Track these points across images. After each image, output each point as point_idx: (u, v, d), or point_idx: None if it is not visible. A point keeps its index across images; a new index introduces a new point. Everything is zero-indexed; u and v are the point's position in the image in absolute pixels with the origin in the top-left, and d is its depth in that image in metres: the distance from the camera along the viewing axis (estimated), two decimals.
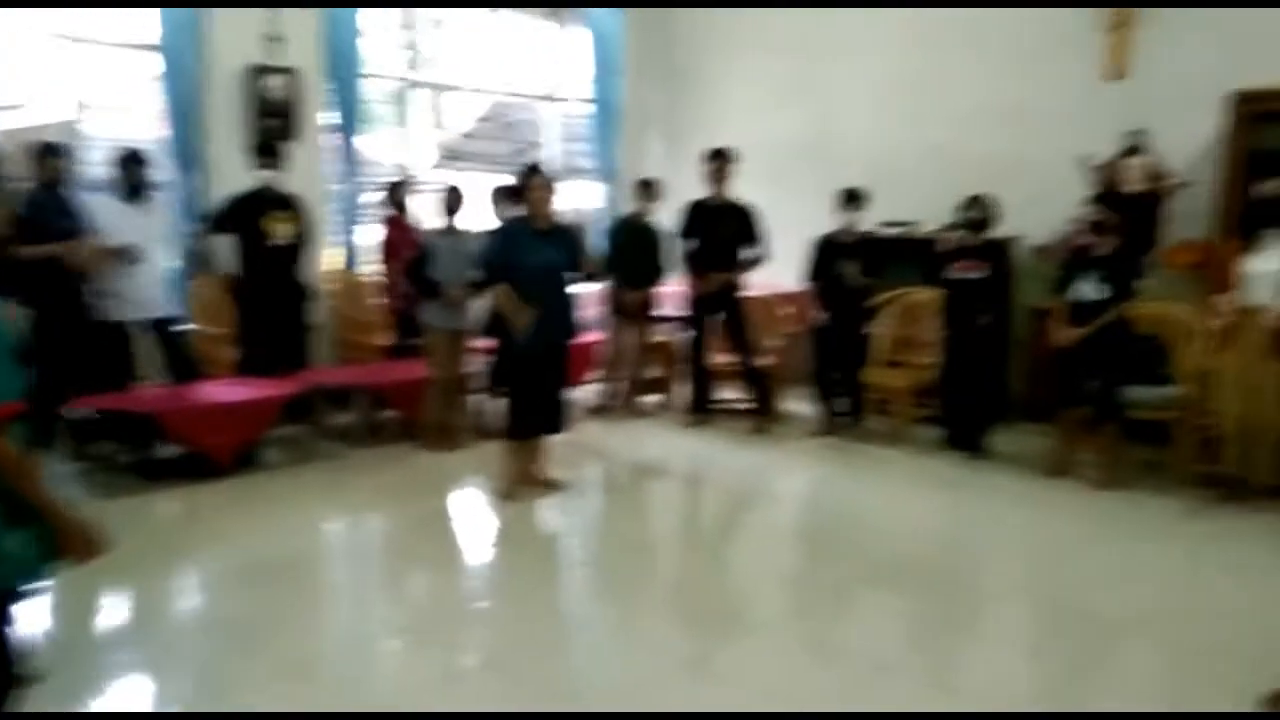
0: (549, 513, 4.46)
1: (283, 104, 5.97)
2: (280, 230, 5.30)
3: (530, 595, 3.51)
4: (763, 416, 6.00)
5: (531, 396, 4.45)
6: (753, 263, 5.90)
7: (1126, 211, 5.08)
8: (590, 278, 4.60)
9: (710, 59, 7.88)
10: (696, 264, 5.94)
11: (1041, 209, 5.80)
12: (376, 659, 3.00)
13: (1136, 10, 5.76)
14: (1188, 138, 5.47)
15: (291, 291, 5.44)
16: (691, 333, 6.05)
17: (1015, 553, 4.12)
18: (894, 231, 6.32)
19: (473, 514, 4.54)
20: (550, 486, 4.64)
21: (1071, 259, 5.06)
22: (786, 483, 5.18)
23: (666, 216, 6.25)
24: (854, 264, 5.63)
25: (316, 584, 3.68)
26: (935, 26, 6.58)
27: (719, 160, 5.88)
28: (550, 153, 7.72)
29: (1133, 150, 5.58)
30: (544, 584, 3.70)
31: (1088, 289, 4.75)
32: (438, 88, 7.25)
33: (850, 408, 5.84)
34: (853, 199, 5.67)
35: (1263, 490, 4.46)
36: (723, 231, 5.87)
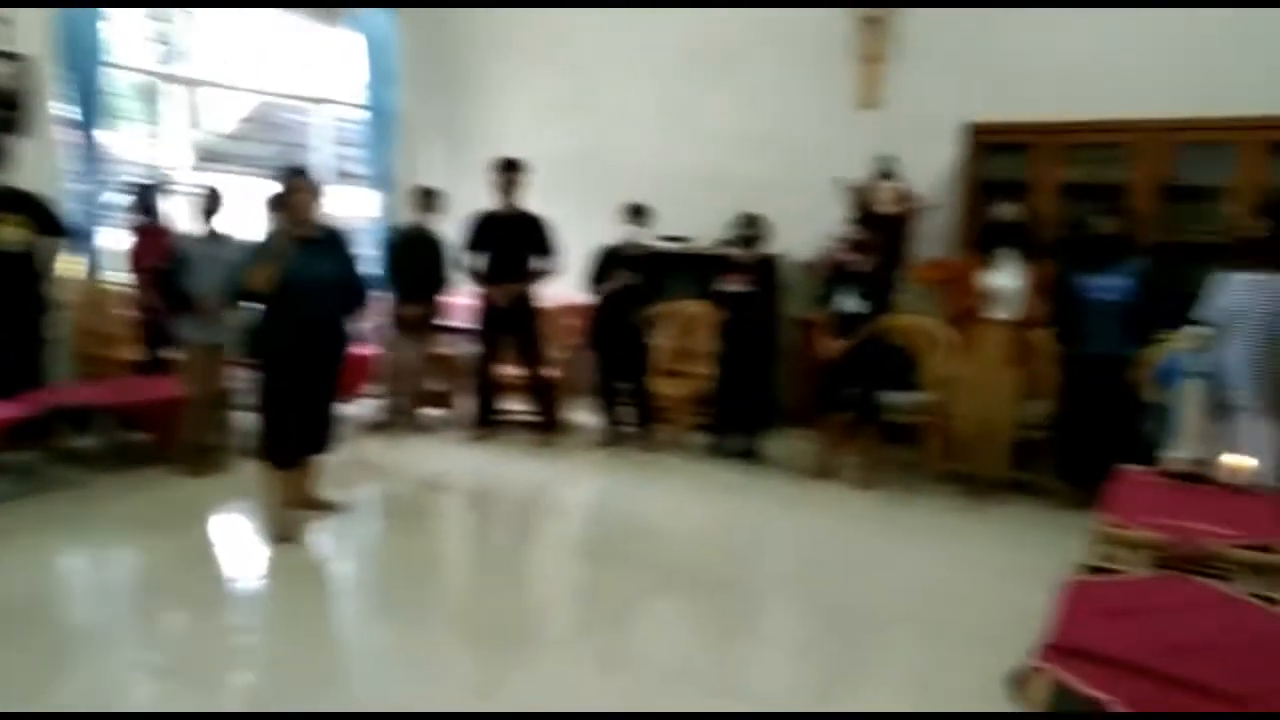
0: (323, 536, 4.22)
1: (10, 94, 5.34)
2: (8, 234, 4.72)
3: (304, 627, 3.30)
4: (548, 429, 5.99)
5: (293, 416, 4.08)
6: (545, 274, 5.88)
7: (880, 231, 5.50)
8: (360, 290, 4.26)
9: (491, 68, 7.81)
10: (487, 276, 5.86)
11: (806, 227, 6.17)
12: (130, 707, 2.72)
13: (886, 45, 6.26)
14: (932, 164, 6.00)
15: (24, 302, 4.87)
16: (479, 345, 5.95)
17: (788, 553, 4.34)
18: (672, 246, 6.51)
19: (237, 542, 4.22)
20: (324, 508, 4.39)
21: (834, 274, 5.41)
22: (573, 495, 5.19)
23: (449, 227, 6.12)
24: (632, 275, 5.74)
25: (56, 629, 3.29)
26: (702, 53, 6.86)
27: (510, 171, 5.82)
28: (321, 157, 7.37)
29: (885, 175, 6.05)
30: (318, 614, 3.50)
31: (849, 303, 5.10)
32: (193, 83, 6.73)
33: (635, 417, 5.95)
34: (638, 213, 5.79)
35: (999, 485, 4.96)
36: (514, 243, 5.82)
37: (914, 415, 5.35)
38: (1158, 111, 5.20)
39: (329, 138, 7.52)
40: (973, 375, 4.92)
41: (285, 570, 3.86)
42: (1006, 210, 4.82)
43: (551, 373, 6.02)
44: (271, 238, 4.02)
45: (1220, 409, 3.71)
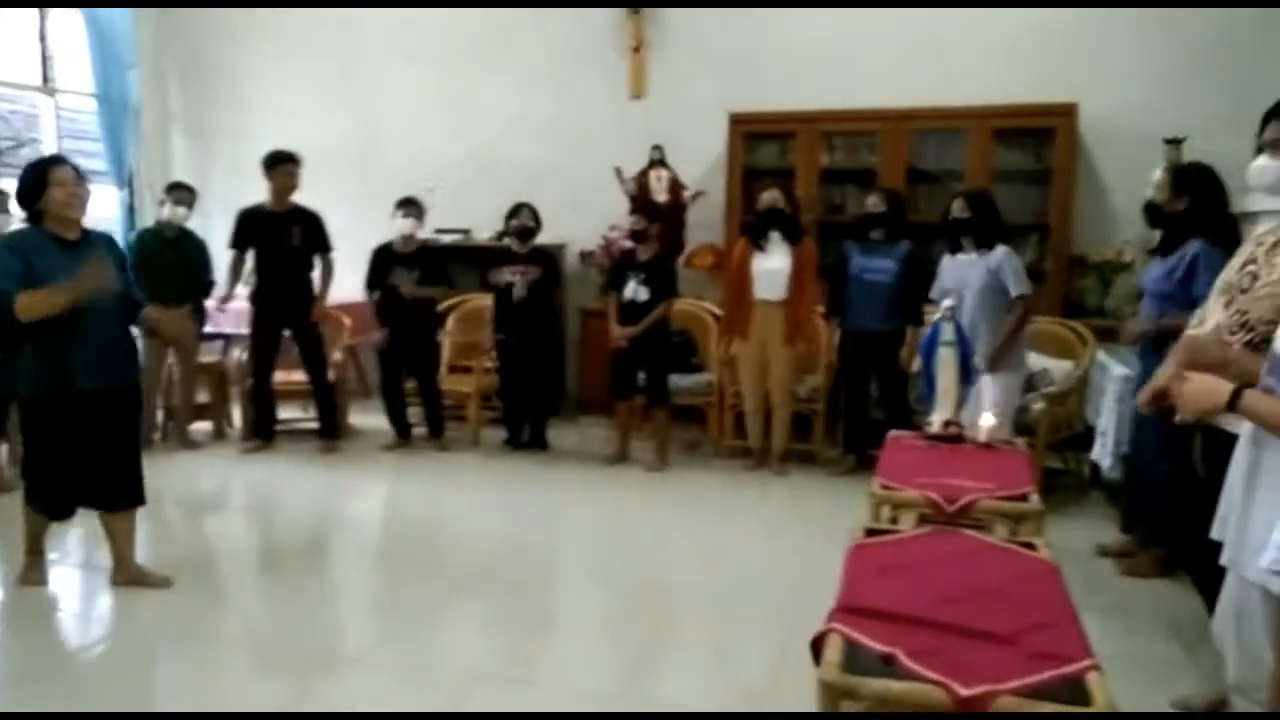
0: (79, 572, 3.82)
1: None
2: None
3: (70, 672, 2.97)
4: (332, 435, 5.71)
5: (71, 459, 3.35)
6: (323, 273, 5.58)
7: (658, 219, 5.62)
8: (137, 304, 3.54)
9: (241, 55, 7.30)
10: (260, 276, 5.48)
11: (585, 217, 6.21)
12: None
13: (649, 35, 6.39)
14: (700, 153, 6.19)
15: None
16: (252, 351, 5.57)
17: (587, 540, 4.37)
18: (450, 239, 6.37)
19: None
20: (146, 581, 3.62)
21: (618, 263, 5.48)
22: (363, 502, 4.98)
23: (203, 225, 5.68)
24: (412, 273, 5.57)
25: None
26: (476, 39, 6.73)
27: (284, 164, 5.46)
28: (48, 150, 6.63)
29: (657, 163, 6.19)
30: (80, 654, 3.16)
31: (634, 290, 5.18)
32: None
33: (425, 417, 5.78)
34: (410, 206, 5.61)
35: (783, 457, 5.22)
36: (288, 241, 5.47)
37: (699, 396, 5.54)
38: (899, 101, 5.62)
39: (55, 130, 6.77)
40: (750, 355, 5.14)
41: (23, 613, 3.46)
42: (773, 196, 5.05)
43: (331, 376, 5.74)
44: (17, 240, 3.33)
45: (967, 374, 4.08)
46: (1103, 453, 4.03)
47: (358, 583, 3.95)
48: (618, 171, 6.16)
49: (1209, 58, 5.26)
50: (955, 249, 4.48)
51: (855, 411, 5.14)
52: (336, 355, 5.87)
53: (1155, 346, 3.39)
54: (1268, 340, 1.91)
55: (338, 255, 5.60)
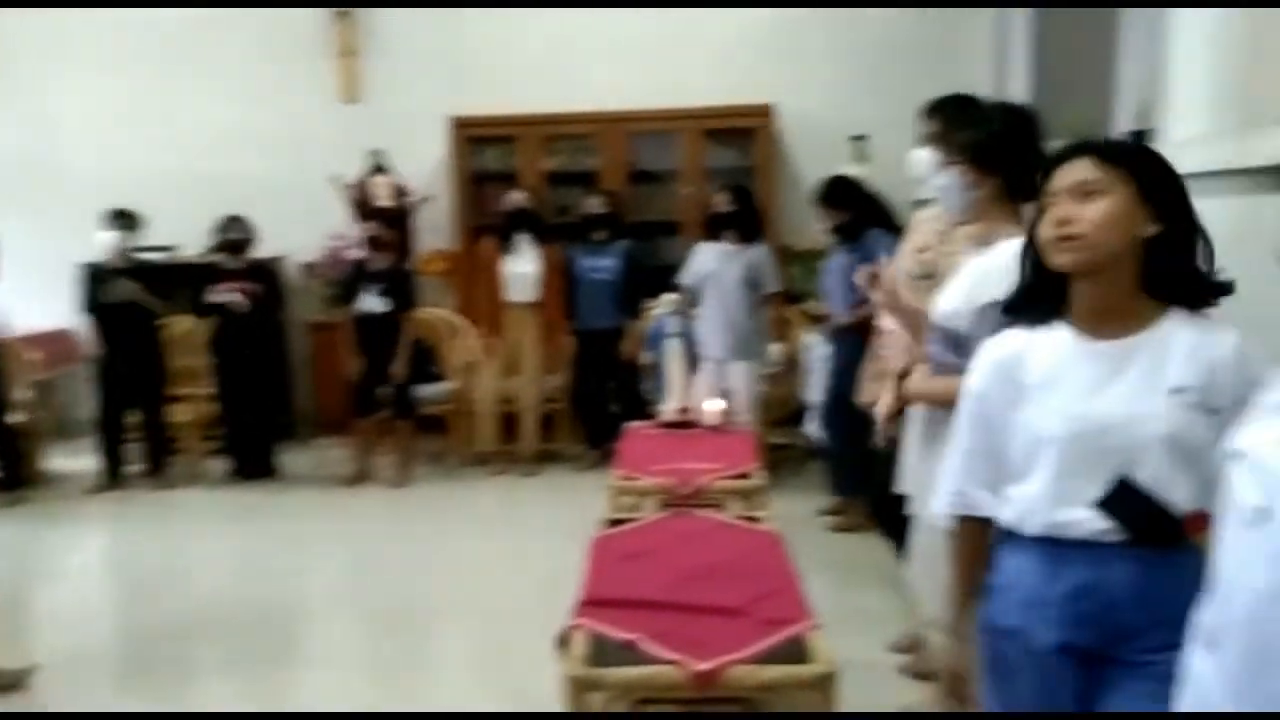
0: None
1: None
2: None
3: None
4: (15, 485, 5.05)
5: None
6: None
7: (386, 226, 5.46)
8: None
9: None
10: None
11: (302, 227, 5.91)
12: None
13: (362, 38, 6.18)
14: (423, 157, 6.07)
15: None
16: None
17: (331, 566, 4.18)
18: (158, 257, 5.83)
19: None
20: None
21: (352, 274, 5.25)
22: (67, 558, 4.45)
23: None
24: (131, 286, 5.05)
25: None
26: (171, 43, 6.20)
27: None
28: None
29: (378, 169, 6.01)
30: None
31: (371, 302, 5.00)
32: None
33: (145, 451, 5.25)
34: (122, 220, 5.08)
35: (530, 459, 5.25)
36: None
37: (442, 405, 5.45)
38: (617, 104, 5.81)
39: None
40: (498, 358, 5.14)
41: None
42: (516, 198, 5.09)
43: (17, 418, 5.07)
44: None
45: (695, 362, 4.32)
46: (814, 425, 4.39)
47: (66, 652, 3.53)
48: (335, 179, 5.92)
49: (890, 60, 5.81)
50: (714, 239, 4.71)
51: (593, 407, 5.28)
52: (22, 393, 5.20)
53: (843, 333, 3.81)
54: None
55: (8, 282, 4.94)
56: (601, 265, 5.15)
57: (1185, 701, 1.11)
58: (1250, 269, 1.41)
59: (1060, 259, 1.37)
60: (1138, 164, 1.39)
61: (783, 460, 5.14)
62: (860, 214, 4.15)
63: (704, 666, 1.72)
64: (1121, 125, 3.46)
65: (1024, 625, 1.44)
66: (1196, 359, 1.33)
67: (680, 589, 2.04)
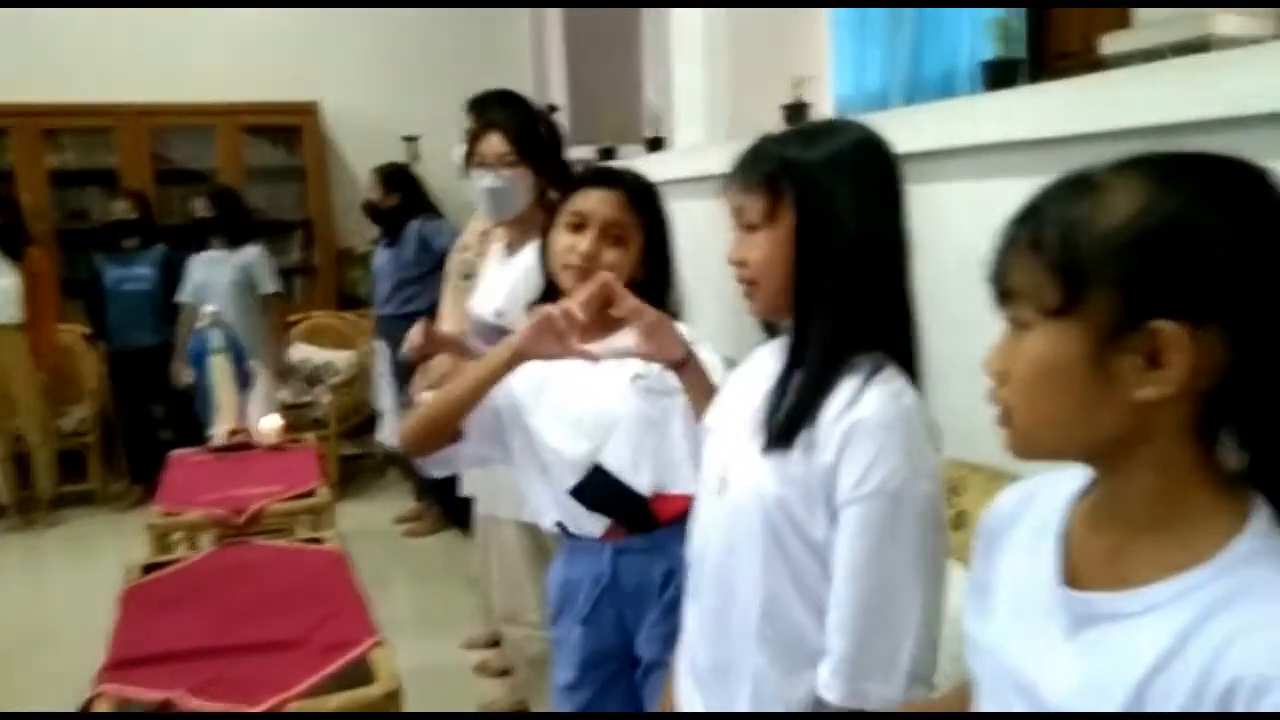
0: None
1: None
2: None
3: None
4: None
5: None
6: None
7: None
8: None
9: None
10: None
11: None
12: None
13: None
14: None
15: None
16: None
17: None
18: None
19: None
20: None
21: None
22: None
23: None
24: None
25: None
26: None
27: None
28: None
29: None
30: None
31: None
32: None
33: None
34: None
35: (49, 504, 4.50)
36: None
37: None
38: (136, 96, 5.18)
39: None
40: None
41: None
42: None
43: None
44: None
45: (247, 378, 3.99)
46: (388, 432, 4.29)
47: None
48: None
49: (439, 60, 5.79)
50: (202, 248, 4.34)
51: (137, 437, 4.67)
52: None
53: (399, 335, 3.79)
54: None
55: None
56: (136, 275, 4.56)
57: (682, 647, 1.24)
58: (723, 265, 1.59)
59: (570, 283, 1.45)
60: (649, 209, 1.52)
61: (359, 471, 4.97)
62: (408, 202, 4.13)
63: (261, 709, 1.58)
64: (644, 133, 3.78)
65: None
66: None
67: (228, 630, 1.85)
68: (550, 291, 1.51)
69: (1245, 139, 1.15)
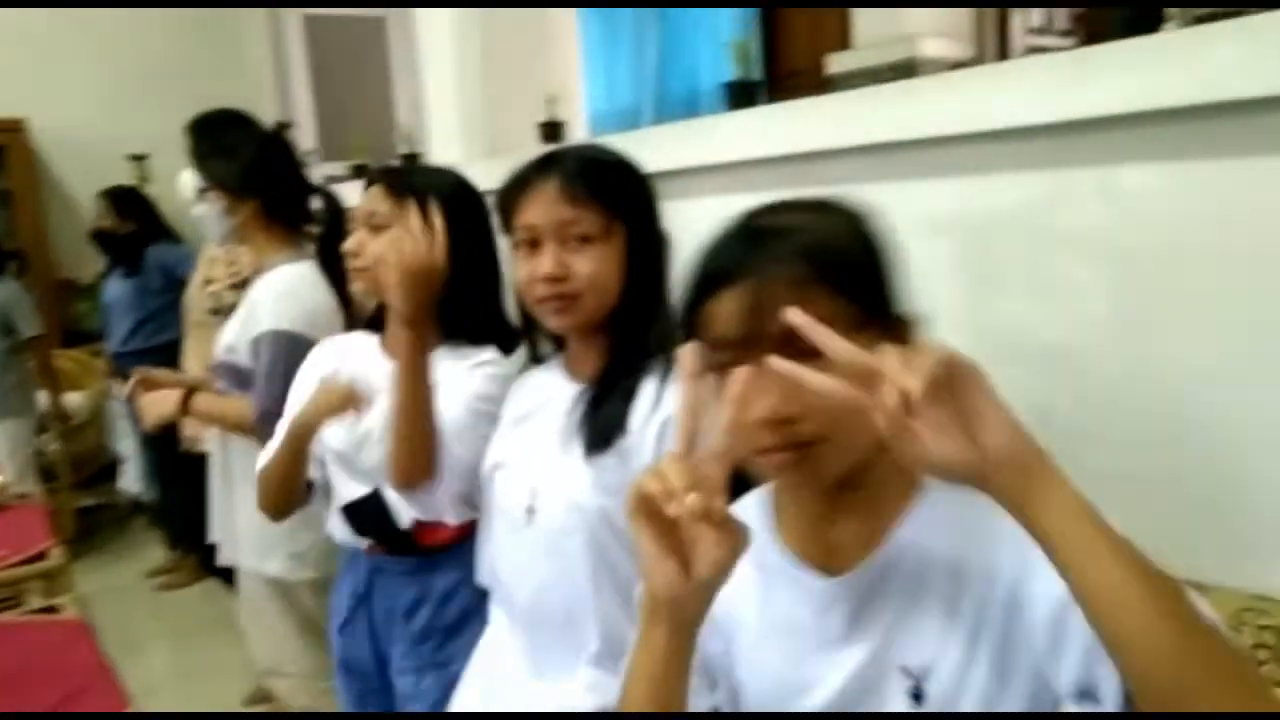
0: None
1: None
2: None
3: None
4: None
5: None
6: None
7: None
8: None
9: None
10: None
11: None
12: None
13: None
14: None
15: None
16: None
17: None
18: None
19: None
20: None
21: None
22: None
23: None
24: None
25: None
26: None
27: None
28: None
29: None
30: None
31: None
32: None
33: None
34: None
35: None
36: None
37: None
38: None
39: None
40: None
41: None
42: None
43: None
44: None
45: None
46: (131, 478, 3.94)
47: None
48: None
49: (170, 73, 5.35)
50: None
51: None
52: None
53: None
54: None
55: None
56: None
57: (468, 683, 1.23)
58: None
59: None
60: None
61: (100, 525, 4.52)
62: (145, 228, 3.81)
63: None
64: (399, 149, 3.68)
65: None
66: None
67: None
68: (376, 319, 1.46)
69: (949, 156, 1.29)
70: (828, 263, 0.72)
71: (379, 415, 1.36)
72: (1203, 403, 1.07)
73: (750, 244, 0.75)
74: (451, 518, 1.34)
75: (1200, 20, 1.03)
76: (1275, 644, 0.92)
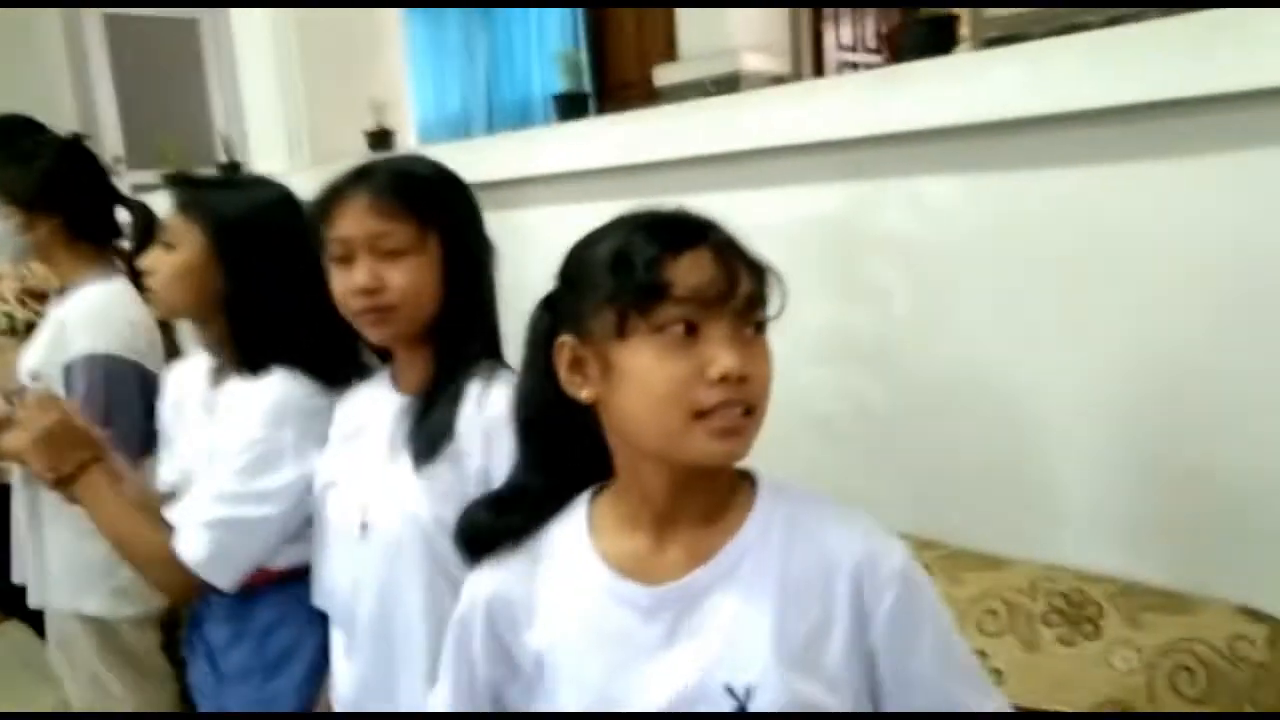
0: None
1: None
2: None
3: None
4: None
5: None
6: None
7: None
8: None
9: None
10: None
11: None
12: None
13: None
14: None
15: None
16: None
17: None
18: None
19: None
20: None
21: None
22: None
23: None
24: None
25: None
26: None
27: None
28: None
29: None
30: None
31: None
32: None
33: None
34: None
35: None
36: None
37: None
38: None
39: None
40: None
41: None
42: None
43: None
44: None
45: None
46: None
47: None
48: None
49: None
50: None
51: None
52: None
53: None
54: None
55: None
56: None
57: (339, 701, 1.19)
58: None
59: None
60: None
61: None
62: None
63: None
64: (218, 157, 3.51)
65: None
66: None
67: None
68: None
69: (773, 167, 1.36)
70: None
71: (197, 454, 1.29)
72: (995, 390, 1.18)
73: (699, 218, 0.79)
74: (280, 563, 1.29)
75: (1060, 32, 1.12)
76: (1065, 609, 1.03)
